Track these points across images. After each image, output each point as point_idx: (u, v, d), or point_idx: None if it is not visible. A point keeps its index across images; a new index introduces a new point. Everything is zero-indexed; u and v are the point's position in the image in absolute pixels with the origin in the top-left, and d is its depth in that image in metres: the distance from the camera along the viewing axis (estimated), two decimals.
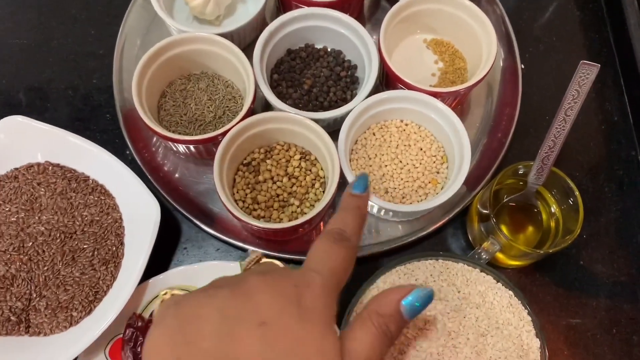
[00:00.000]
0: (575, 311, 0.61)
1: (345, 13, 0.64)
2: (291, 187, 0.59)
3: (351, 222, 0.39)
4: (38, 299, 0.56)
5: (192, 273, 0.58)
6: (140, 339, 0.54)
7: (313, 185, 0.60)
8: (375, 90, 0.61)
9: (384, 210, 0.59)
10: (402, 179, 0.60)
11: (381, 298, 0.36)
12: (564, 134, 0.54)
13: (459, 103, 0.67)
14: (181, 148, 0.61)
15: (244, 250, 0.61)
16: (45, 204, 0.59)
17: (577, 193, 0.56)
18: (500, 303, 0.51)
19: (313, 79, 0.65)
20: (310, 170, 0.60)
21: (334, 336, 0.33)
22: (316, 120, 0.58)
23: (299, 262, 0.60)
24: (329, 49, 0.67)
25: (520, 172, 0.59)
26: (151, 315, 0.56)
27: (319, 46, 0.67)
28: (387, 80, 0.65)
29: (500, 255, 0.59)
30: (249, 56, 0.61)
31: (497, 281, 0.52)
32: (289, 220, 0.57)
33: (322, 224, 0.63)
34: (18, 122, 0.60)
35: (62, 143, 0.61)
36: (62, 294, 0.56)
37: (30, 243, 0.57)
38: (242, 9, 0.71)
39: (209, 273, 0.57)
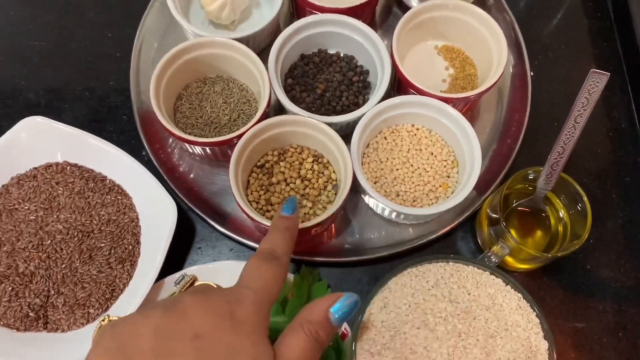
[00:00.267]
0: (582, 315, 0.62)
1: (358, 19, 0.65)
2: (304, 189, 0.61)
3: (281, 242, 0.43)
4: (56, 295, 0.57)
5: (206, 272, 0.59)
6: None
7: (325, 187, 0.61)
8: (387, 95, 0.62)
9: (395, 213, 0.60)
10: (413, 183, 0.61)
11: (311, 307, 0.39)
12: (573, 141, 0.55)
13: (470, 109, 0.68)
14: (197, 150, 0.63)
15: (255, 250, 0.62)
16: (64, 202, 0.61)
17: (585, 199, 0.57)
18: (510, 305, 0.52)
19: (326, 84, 0.66)
20: (322, 173, 0.61)
21: (266, 345, 0.36)
22: (329, 124, 0.60)
23: (310, 263, 0.61)
24: (341, 55, 0.69)
25: (530, 177, 0.60)
26: None
27: (332, 51, 0.69)
28: (398, 85, 0.66)
29: (509, 259, 0.60)
30: (264, 61, 0.62)
31: (507, 284, 0.53)
32: (302, 222, 0.58)
33: (333, 225, 0.64)
34: (38, 123, 0.62)
35: (80, 143, 0.62)
36: (80, 291, 0.57)
37: (49, 241, 0.59)
38: (257, 14, 0.72)
39: (223, 272, 0.59)
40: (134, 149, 0.66)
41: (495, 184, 0.65)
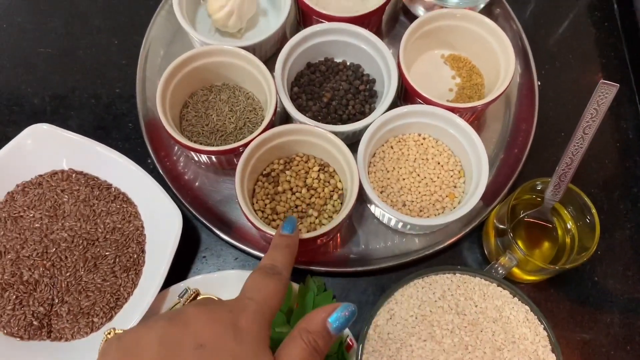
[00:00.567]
0: (590, 327, 0.62)
1: (364, 28, 0.65)
2: (310, 198, 0.60)
3: (281, 258, 0.45)
4: (60, 304, 0.57)
5: (211, 282, 0.58)
6: None
7: (331, 196, 0.61)
8: (394, 103, 0.62)
9: (401, 223, 0.60)
10: (419, 193, 0.61)
11: (310, 317, 0.40)
12: (581, 152, 0.55)
13: (476, 118, 0.68)
14: (203, 158, 0.62)
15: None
16: (69, 210, 0.60)
17: (593, 211, 0.57)
18: (517, 318, 0.52)
19: (332, 92, 0.66)
20: (328, 182, 0.61)
21: (268, 354, 0.37)
22: (335, 133, 0.59)
23: (315, 273, 0.61)
24: (348, 63, 0.68)
25: (538, 187, 0.59)
26: None
27: (338, 60, 0.68)
28: (405, 94, 0.66)
29: (515, 270, 0.60)
30: (270, 69, 0.62)
31: (514, 296, 0.53)
32: (307, 232, 0.58)
33: (338, 235, 0.64)
34: (44, 130, 0.62)
35: (85, 151, 0.62)
36: (84, 300, 0.57)
37: (54, 249, 0.59)
38: (263, 22, 0.72)
39: (228, 282, 0.58)
40: (139, 157, 0.66)
41: (502, 194, 0.64)
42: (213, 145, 0.62)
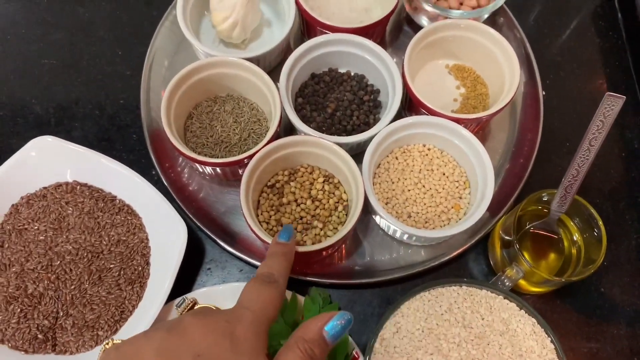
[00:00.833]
0: (596, 339, 0.61)
1: (368, 39, 0.65)
2: (315, 210, 0.60)
3: (278, 266, 0.46)
4: (65, 317, 0.57)
5: (215, 294, 0.58)
6: None
7: (336, 208, 0.60)
8: (398, 114, 0.62)
9: (407, 235, 0.59)
10: (425, 204, 0.61)
11: (306, 325, 0.40)
12: (587, 163, 0.55)
13: (481, 128, 0.68)
14: (207, 169, 0.62)
15: None
16: (73, 223, 0.60)
17: (600, 223, 0.56)
18: (524, 330, 0.52)
19: (337, 103, 0.66)
20: (333, 194, 0.61)
21: None
22: (340, 144, 0.59)
23: (320, 285, 0.60)
24: (352, 74, 0.68)
25: (544, 199, 0.59)
26: None
27: (342, 70, 0.68)
28: (409, 105, 0.66)
29: (522, 282, 0.59)
30: (274, 80, 0.62)
31: (520, 308, 0.53)
32: (313, 243, 0.58)
33: (343, 246, 0.63)
34: (48, 142, 0.62)
35: (90, 163, 0.62)
36: (89, 313, 0.57)
37: (58, 262, 0.58)
38: (267, 34, 0.72)
39: (233, 294, 0.58)
40: (143, 168, 0.66)
41: (507, 204, 0.64)
42: (218, 157, 0.62)
